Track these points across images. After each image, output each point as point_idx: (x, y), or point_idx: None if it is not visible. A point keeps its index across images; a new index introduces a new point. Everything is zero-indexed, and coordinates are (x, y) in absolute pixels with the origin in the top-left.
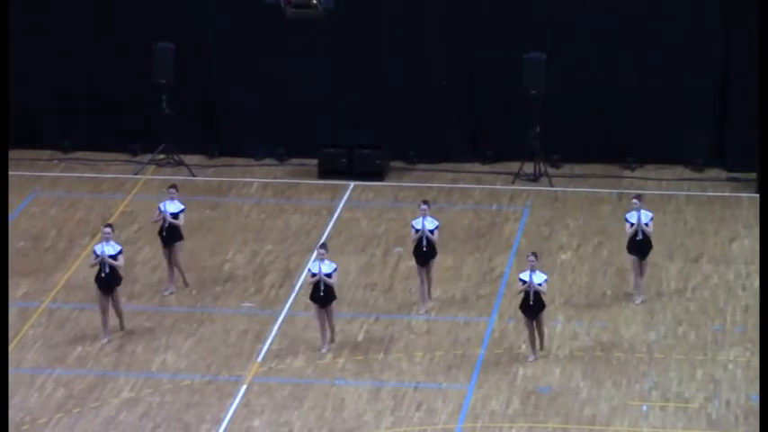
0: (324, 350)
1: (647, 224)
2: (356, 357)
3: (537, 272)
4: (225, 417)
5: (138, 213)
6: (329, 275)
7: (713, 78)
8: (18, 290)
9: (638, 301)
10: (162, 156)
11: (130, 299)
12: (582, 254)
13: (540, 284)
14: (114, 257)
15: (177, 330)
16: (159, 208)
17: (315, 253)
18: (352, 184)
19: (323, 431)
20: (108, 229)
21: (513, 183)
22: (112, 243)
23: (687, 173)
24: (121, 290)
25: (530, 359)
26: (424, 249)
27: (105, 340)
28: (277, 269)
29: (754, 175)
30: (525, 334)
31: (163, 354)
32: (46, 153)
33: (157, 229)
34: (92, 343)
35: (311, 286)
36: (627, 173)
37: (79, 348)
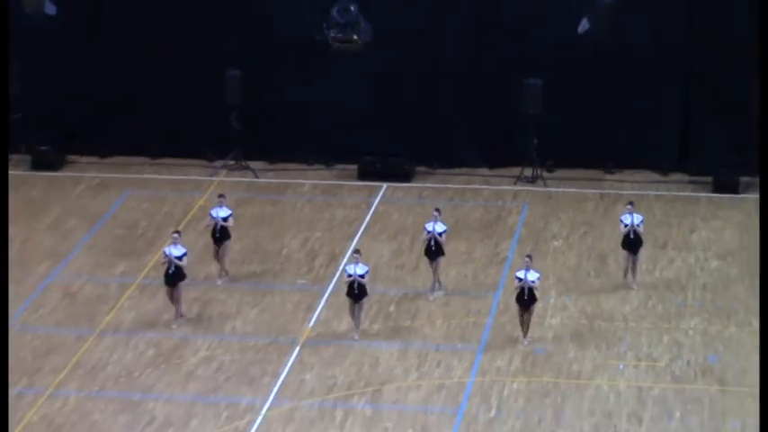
0: (354, 338)
1: (638, 225)
2: (388, 324)
3: (531, 270)
4: (282, 371)
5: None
6: (362, 276)
7: (677, 98)
8: (116, 269)
9: (635, 288)
10: (232, 162)
11: (207, 278)
12: (570, 241)
13: (533, 281)
14: (180, 258)
15: (245, 302)
16: (211, 214)
17: (350, 257)
18: (385, 184)
19: (361, 383)
20: (176, 235)
21: (515, 184)
22: (179, 246)
23: (655, 176)
24: (183, 285)
25: (524, 343)
26: (433, 249)
27: (175, 325)
28: (325, 253)
29: (710, 179)
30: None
31: (233, 320)
32: (139, 159)
33: (210, 232)
34: (176, 311)
35: (347, 285)
36: (607, 176)
37: (165, 316)
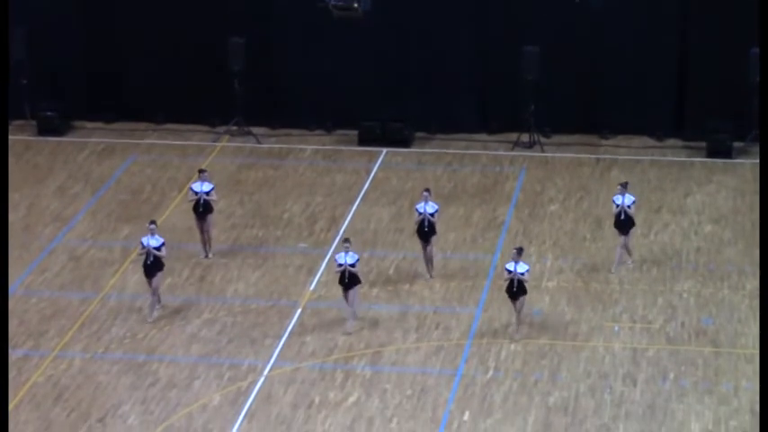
0: (348, 326)
1: (629, 206)
2: (388, 288)
3: (520, 263)
4: (284, 334)
5: (215, 172)
6: (353, 265)
7: (673, 66)
8: (121, 233)
9: (630, 264)
10: (235, 127)
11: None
12: (567, 205)
13: (522, 274)
14: (158, 249)
15: (247, 265)
16: (192, 189)
17: (341, 245)
18: (384, 150)
19: (361, 345)
20: (153, 225)
21: (512, 149)
22: (156, 236)
23: (651, 142)
24: (162, 275)
25: (515, 337)
26: (426, 230)
27: (155, 315)
28: (325, 217)
29: (704, 144)
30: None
31: (235, 283)
32: (143, 124)
33: (192, 205)
34: (179, 274)
35: (338, 274)
36: (603, 142)
37: (169, 279)
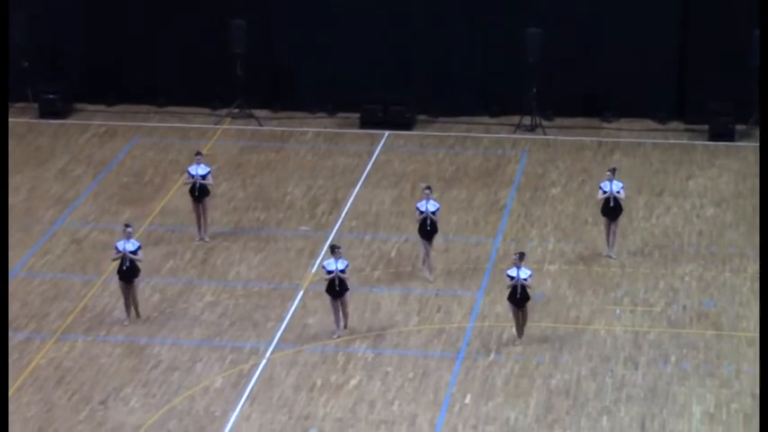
0: (336, 336)
1: (618, 192)
2: (389, 270)
3: (523, 268)
4: (286, 316)
5: (217, 155)
6: (343, 271)
7: (674, 50)
8: (123, 215)
9: (613, 256)
10: (236, 110)
11: (212, 223)
12: (568, 189)
13: (525, 279)
14: (134, 252)
15: (248, 248)
16: (189, 172)
17: (330, 252)
18: (386, 132)
19: (363, 328)
20: (129, 229)
21: (514, 132)
22: (132, 240)
23: (653, 125)
24: (139, 281)
25: (517, 343)
26: (428, 228)
27: (126, 323)
28: (327, 200)
29: (706, 127)
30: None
31: (237, 266)
32: (145, 107)
33: (189, 188)
34: (181, 257)
35: (327, 282)
36: (605, 125)
37: (171, 261)
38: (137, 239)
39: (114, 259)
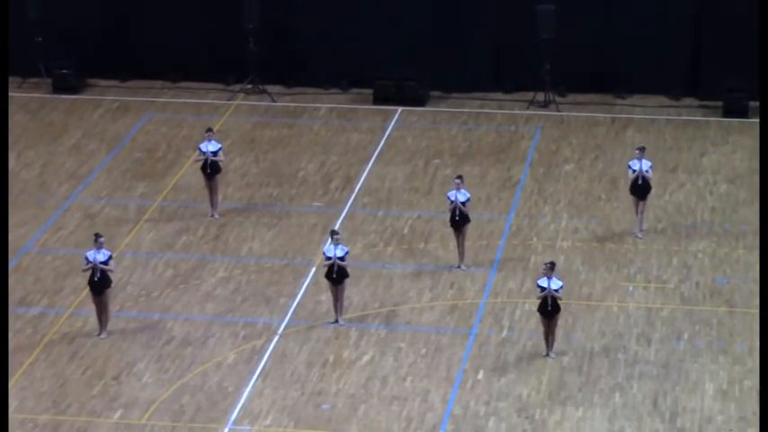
0: (339, 322)
1: (647, 171)
2: (402, 247)
3: (554, 279)
4: (298, 292)
5: (230, 130)
6: (342, 258)
7: (688, 25)
8: (136, 191)
9: (639, 235)
10: (250, 85)
11: (225, 199)
12: (582, 165)
13: (556, 290)
14: (105, 263)
15: (261, 224)
16: (200, 149)
17: (331, 238)
18: (399, 108)
19: (375, 304)
20: (101, 239)
21: (527, 108)
22: (103, 250)
23: (666, 101)
24: (110, 292)
25: (545, 354)
26: (457, 219)
27: (103, 335)
28: (340, 176)
29: (720, 104)
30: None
31: (250, 242)
32: (158, 83)
33: (200, 165)
34: (194, 233)
35: (326, 268)
36: (618, 101)
37: (184, 237)
38: (107, 249)
39: (84, 270)
